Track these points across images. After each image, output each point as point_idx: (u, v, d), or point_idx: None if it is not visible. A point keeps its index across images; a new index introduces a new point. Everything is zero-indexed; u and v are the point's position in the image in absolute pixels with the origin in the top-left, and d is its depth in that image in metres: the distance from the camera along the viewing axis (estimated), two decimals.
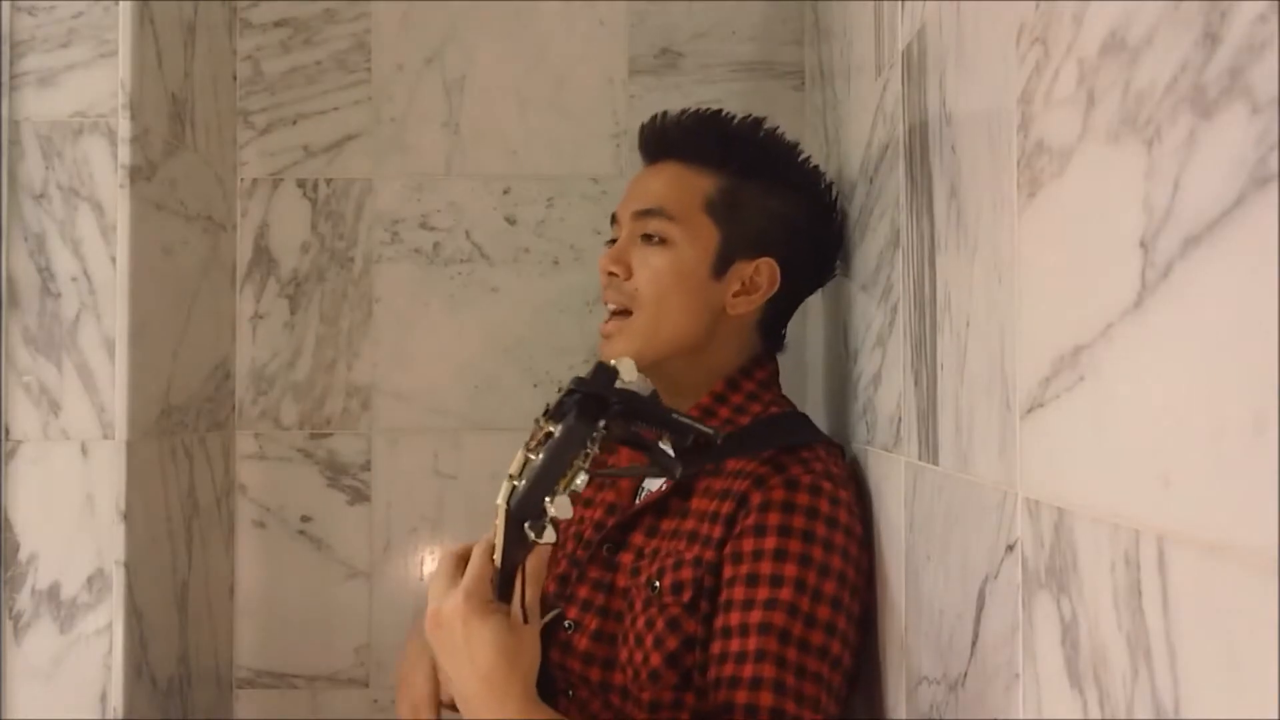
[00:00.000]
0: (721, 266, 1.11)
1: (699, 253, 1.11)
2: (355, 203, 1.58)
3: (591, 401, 0.80)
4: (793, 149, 1.18)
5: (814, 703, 0.92)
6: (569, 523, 1.16)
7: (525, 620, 0.85)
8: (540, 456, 0.80)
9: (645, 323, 1.10)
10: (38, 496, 1.18)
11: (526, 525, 0.80)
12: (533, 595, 0.85)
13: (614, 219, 1.17)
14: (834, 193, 1.21)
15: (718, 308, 1.12)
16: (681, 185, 1.13)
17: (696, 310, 1.11)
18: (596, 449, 0.81)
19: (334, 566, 1.56)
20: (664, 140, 1.16)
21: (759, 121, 1.17)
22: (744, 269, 1.12)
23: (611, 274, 1.12)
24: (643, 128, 1.19)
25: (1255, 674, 0.39)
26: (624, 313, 1.12)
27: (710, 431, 0.84)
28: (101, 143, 1.20)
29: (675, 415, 0.84)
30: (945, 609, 0.81)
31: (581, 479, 0.80)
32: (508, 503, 0.80)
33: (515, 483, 0.80)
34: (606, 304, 1.14)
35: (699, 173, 1.13)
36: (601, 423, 0.80)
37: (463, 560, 0.87)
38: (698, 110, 1.17)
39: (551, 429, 0.80)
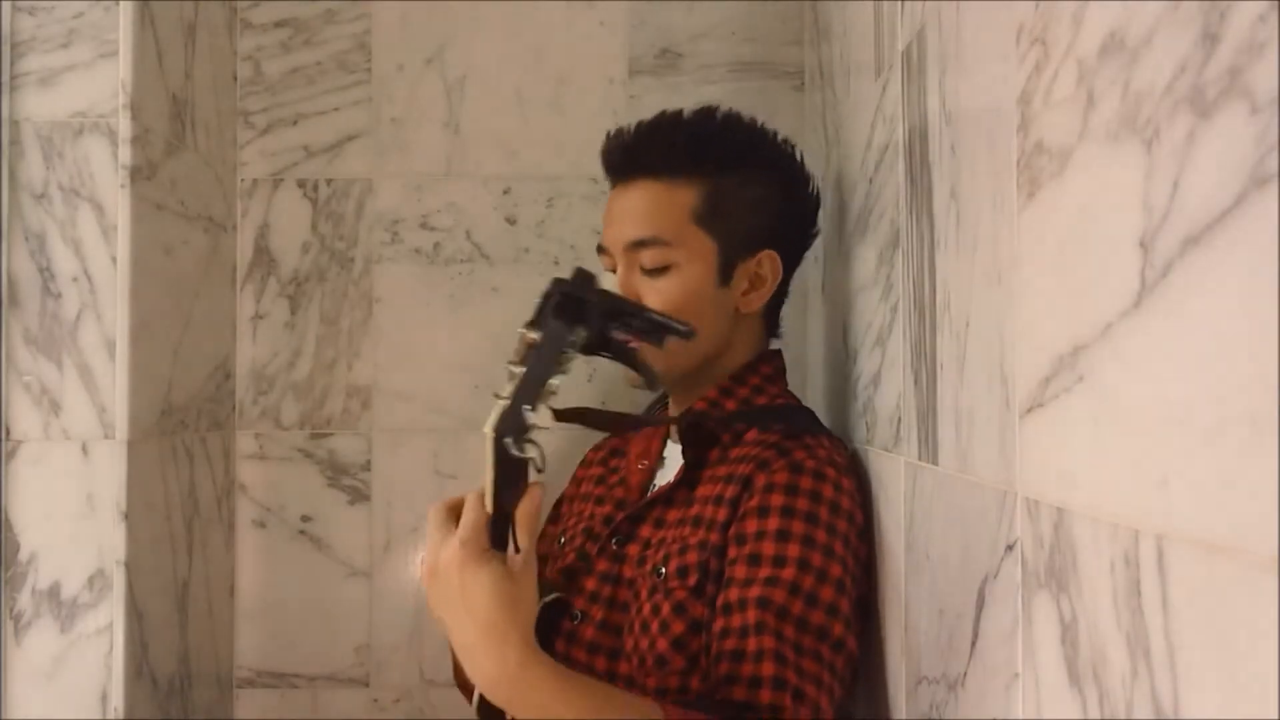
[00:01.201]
0: (726, 273, 1.11)
1: (702, 268, 1.10)
2: (355, 203, 1.58)
3: (570, 302, 0.81)
4: (752, 127, 1.16)
5: (815, 679, 0.92)
6: (577, 520, 1.16)
7: (518, 551, 0.83)
8: (523, 367, 0.80)
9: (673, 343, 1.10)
10: (38, 496, 1.18)
11: (508, 440, 0.79)
12: (527, 539, 0.83)
13: (600, 249, 1.15)
14: (799, 155, 1.18)
15: (732, 311, 1.12)
16: (666, 204, 1.10)
17: (713, 320, 1.11)
18: (576, 351, 0.81)
19: (334, 566, 1.56)
20: (632, 157, 1.13)
21: (711, 111, 1.15)
22: (748, 267, 1.12)
23: None
24: (605, 148, 1.16)
25: (1255, 674, 0.39)
26: None
27: (684, 328, 0.86)
28: (102, 143, 1.20)
29: (651, 313, 0.85)
30: (945, 608, 0.81)
31: (557, 380, 0.79)
32: (495, 428, 0.80)
33: (503, 401, 0.80)
34: None
35: (677, 186, 1.10)
36: (580, 327, 0.80)
37: (454, 511, 0.85)
38: (654, 120, 1.15)
39: (534, 337, 0.80)
